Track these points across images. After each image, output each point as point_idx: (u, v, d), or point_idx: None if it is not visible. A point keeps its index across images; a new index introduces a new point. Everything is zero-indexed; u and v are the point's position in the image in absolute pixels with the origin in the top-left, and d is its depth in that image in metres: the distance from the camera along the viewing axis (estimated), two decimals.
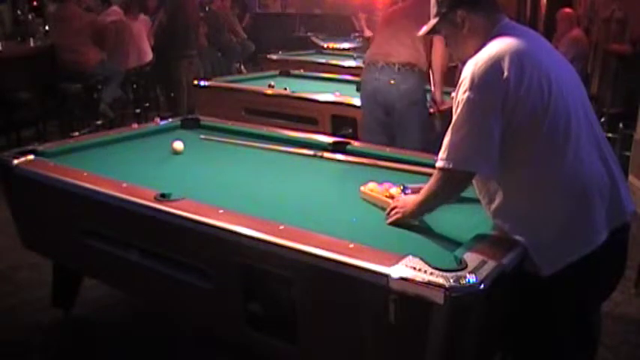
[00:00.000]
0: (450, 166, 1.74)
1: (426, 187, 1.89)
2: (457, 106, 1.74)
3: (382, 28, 3.85)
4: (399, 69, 3.60)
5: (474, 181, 1.83)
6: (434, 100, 3.75)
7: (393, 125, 3.68)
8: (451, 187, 1.83)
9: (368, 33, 7.88)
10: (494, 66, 1.68)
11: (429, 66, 3.69)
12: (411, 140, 3.57)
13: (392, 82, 3.61)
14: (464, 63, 1.79)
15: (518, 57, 1.70)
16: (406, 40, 3.61)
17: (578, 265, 1.72)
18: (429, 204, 1.91)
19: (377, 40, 3.84)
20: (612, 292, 1.97)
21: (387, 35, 3.72)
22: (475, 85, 1.69)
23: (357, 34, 8.07)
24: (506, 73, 1.66)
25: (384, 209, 2.20)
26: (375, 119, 3.72)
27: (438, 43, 3.54)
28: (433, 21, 1.91)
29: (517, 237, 1.76)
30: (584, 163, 1.72)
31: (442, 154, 1.77)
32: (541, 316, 1.80)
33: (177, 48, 6.71)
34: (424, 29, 1.98)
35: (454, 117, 1.75)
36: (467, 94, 1.70)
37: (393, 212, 2.02)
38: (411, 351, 1.62)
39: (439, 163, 1.77)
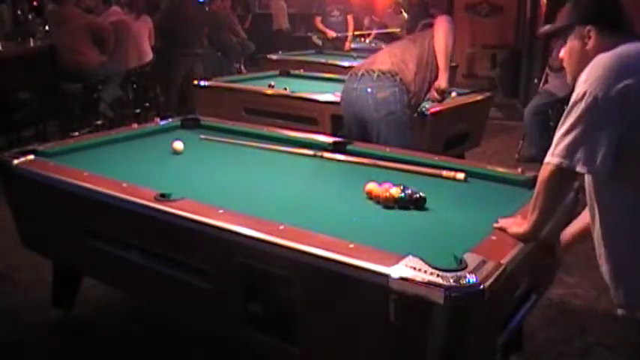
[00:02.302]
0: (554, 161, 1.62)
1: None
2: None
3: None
4: (377, 76, 3.37)
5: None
6: (436, 90, 3.47)
7: (371, 141, 3.32)
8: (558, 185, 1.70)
9: (331, 34, 7.94)
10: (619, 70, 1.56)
11: (421, 89, 3.47)
12: None
13: (369, 90, 3.37)
14: (573, 80, 1.68)
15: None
16: (396, 51, 3.48)
17: None
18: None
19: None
20: None
21: (383, 50, 3.68)
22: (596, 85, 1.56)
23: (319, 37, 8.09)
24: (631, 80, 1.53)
25: (386, 207, 2.21)
26: (355, 137, 3.37)
27: (442, 21, 3.37)
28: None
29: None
30: None
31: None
32: None
33: (175, 47, 6.70)
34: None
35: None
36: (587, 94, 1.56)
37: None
38: (412, 351, 1.62)
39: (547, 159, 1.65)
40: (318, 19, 8.11)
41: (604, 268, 1.70)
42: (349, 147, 2.96)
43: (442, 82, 3.42)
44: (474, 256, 1.65)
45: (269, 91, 4.73)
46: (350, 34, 7.88)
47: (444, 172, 2.57)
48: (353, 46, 7.86)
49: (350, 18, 7.96)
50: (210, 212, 2.00)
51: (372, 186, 2.29)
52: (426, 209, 2.20)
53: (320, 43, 8.12)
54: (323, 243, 1.74)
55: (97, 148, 2.98)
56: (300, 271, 1.75)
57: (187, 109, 6.10)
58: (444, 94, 3.51)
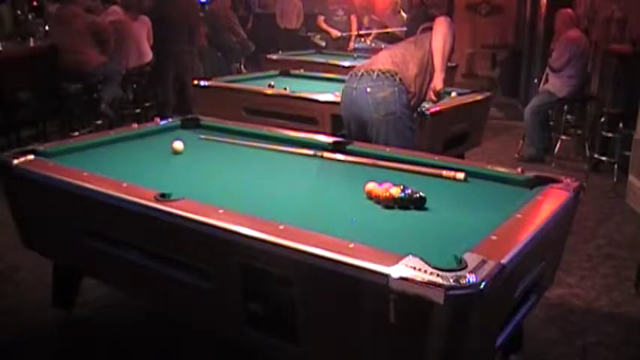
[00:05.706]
0: None
1: None
2: None
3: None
4: (377, 75, 3.35)
5: None
6: (432, 91, 3.45)
7: (371, 141, 3.32)
8: None
9: (335, 33, 7.94)
10: None
11: (421, 89, 3.45)
12: None
13: (368, 89, 3.35)
14: None
15: None
16: (397, 52, 3.48)
17: None
18: None
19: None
20: None
21: (384, 50, 3.69)
22: None
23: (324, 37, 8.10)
24: None
25: (386, 207, 2.21)
26: (355, 137, 3.37)
27: (441, 22, 3.37)
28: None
29: None
30: None
31: None
32: None
33: (160, 44, 6.69)
34: None
35: None
36: None
37: None
38: (411, 351, 1.62)
39: None
40: (322, 18, 8.11)
41: None
42: (349, 147, 2.96)
43: (437, 82, 3.41)
44: (474, 256, 1.65)
45: (269, 91, 4.73)
46: (354, 33, 7.88)
47: (444, 172, 2.57)
48: (355, 46, 7.87)
49: (353, 18, 7.97)
50: (210, 212, 2.00)
51: (372, 186, 2.29)
52: (426, 209, 2.20)
53: (323, 44, 8.10)
54: (323, 243, 1.73)
55: (97, 148, 2.98)
56: (300, 271, 1.75)
57: (185, 111, 6.08)
58: (439, 95, 3.50)
